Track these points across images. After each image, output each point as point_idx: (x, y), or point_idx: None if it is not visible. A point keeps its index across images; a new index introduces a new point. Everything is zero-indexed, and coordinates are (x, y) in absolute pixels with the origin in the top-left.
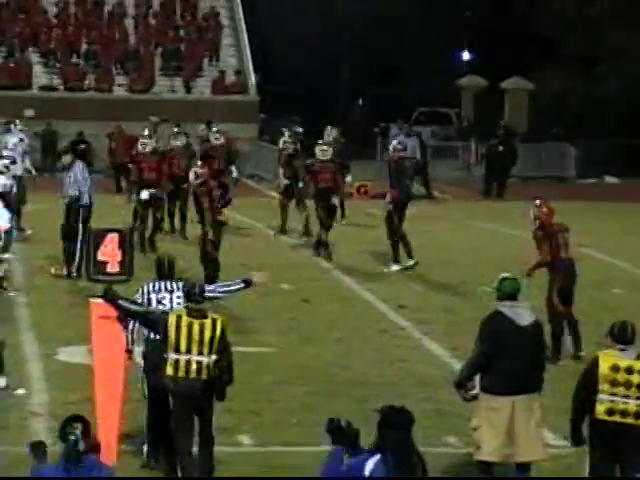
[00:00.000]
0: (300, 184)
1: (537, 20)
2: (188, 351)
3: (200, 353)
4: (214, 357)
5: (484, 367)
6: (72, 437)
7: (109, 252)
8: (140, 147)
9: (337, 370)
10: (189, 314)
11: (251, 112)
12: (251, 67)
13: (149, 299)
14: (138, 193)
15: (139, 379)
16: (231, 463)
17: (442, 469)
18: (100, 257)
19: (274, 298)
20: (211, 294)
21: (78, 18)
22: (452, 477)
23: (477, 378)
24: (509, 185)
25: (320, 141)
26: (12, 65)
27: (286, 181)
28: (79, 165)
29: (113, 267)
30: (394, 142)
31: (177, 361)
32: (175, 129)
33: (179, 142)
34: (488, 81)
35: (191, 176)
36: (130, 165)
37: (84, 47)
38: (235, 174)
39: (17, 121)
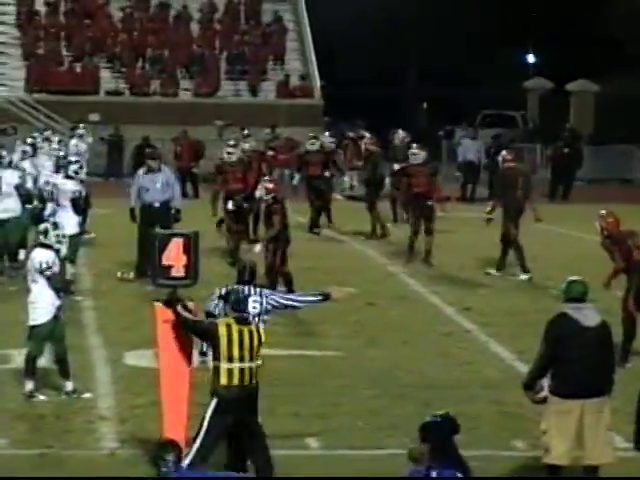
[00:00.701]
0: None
1: (604, 22)
2: (241, 359)
3: (251, 359)
4: (259, 362)
5: (551, 370)
6: (164, 468)
7: (174, 256)
8: (226, 156)
9: (403, 373)
10: (237, 322)
11: (315, 116)
12: (316, 71)
13: (225, 301)
14: (225, 202)
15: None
16: (298, 466)
17: (508, 473)
18: (165, 261)
19: (339, 301)
20: (289, 302)
21: (143, 23)
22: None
23: (546, 380)
24: (575, 188)
25: (414, 145)
26: (79, 70)
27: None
28: (167, 169)
29: (178, 271)
30: (503, 152)
31: (231, 370)
32: (245, 131)
33: (247, 145)
34: (554, 83)
35: (260, 192)
36: (215, 174)
37: (149, 52)
38: (296, 180)
39: (80, 125)
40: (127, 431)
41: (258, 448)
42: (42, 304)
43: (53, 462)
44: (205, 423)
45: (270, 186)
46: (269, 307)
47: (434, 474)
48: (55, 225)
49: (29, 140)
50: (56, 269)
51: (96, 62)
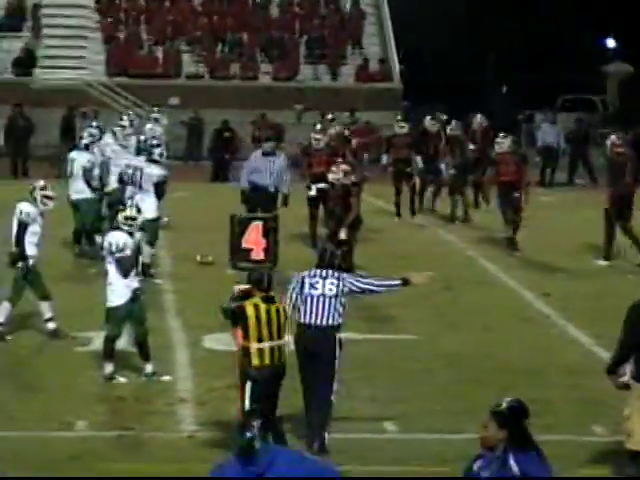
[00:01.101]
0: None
1: None
2: (270, 338)
3: (279, 337)
4: (287, 339)
5: (632, 356)
6: (249, 434)
7: (253, 240)
8: (314, 142)
9: (482, 358)
10: (264, 301)
11: (394, 100)
12: (395, 55)
13: (302, 282)
14: (309, 187)
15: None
16: (377, 450)
17: (588, 458)
18: (244, 244)
19: (419, 286)
20: (368, 286)
21: (223, 6)
22: None
23: (629, 365)
24: None
25: (502, 134)
26: (159, 54)
27: (452, 171)
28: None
29: (258, 254)
30: (612, 137)
31: (262, 350)
32: (330, 116)
33: (333, 130)
34: (634, 68)
35: (335, 175)
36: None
37: (229, 35)
38: (385, 160)
39: (155, 109)
40: (206, 414)
41: (274, 425)
42: (118, 286)
43: (132, 444)
44: (248, 409)
45: (348, 168)
46: (346, 289)
47: (512, 460)
48: (133, 208)
49: (124, 121)
50: (128, 252)
51: (176, 46)
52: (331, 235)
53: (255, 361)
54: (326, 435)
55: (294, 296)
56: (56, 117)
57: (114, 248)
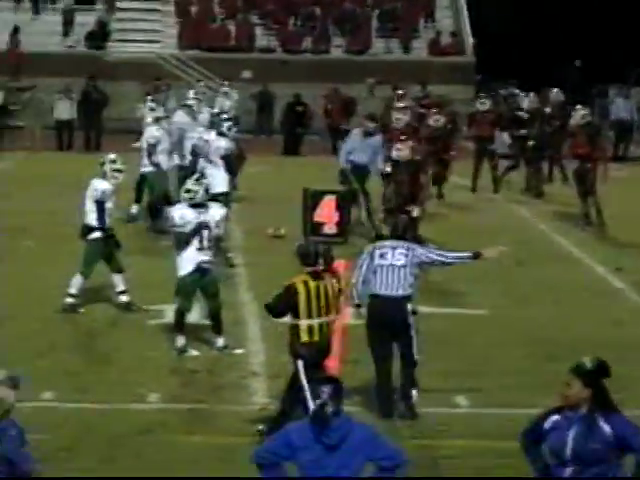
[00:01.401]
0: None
1: None
2: (319, 314)
3: (327, 313)
4: (336, 315)
5: None
6: (320, 400)
7: (326, 214)
8: (395, 122)
9: (553, 333)
10: (312, 277)
11: (467, 73)
12: (468, 28)
13: (372, 254)
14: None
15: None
16: (448, 424)
17: None
18: (317, 218)
19: (487, 260)
20: (439, 257)
21: None
22: None
23: None
24: None
25: (578, 106)
26: (231, 27)
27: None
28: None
29: (330, 228)
30: None
31: (311, 326)
32: (400, 91)
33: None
34: None
35: (401, 152)
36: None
37: (302, 9)
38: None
39: (225, 83)
40: (278, 387)
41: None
42: (184, 257)
43: (204, 417)
44: (305, 385)
45: (414, 144)
46: (416, 260)
47: (602, 421)
48: (193, 181)
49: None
50: (187, 227)
51: (249, 19)
52: (398, 209)
53: (304, 337)
54: (414, 396)
55: (364, 267)
56: (128, 90)
57: (172, 222)
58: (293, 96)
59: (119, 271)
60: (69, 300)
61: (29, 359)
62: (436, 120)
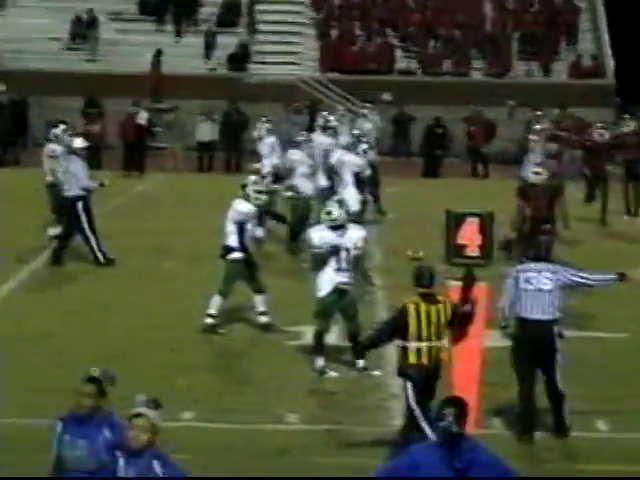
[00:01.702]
0: None
1: None
2: (429, 338)
3: (439, 338)
4: (445, 341)
5: None
6: (444, 423)
7: (468, 236)
8: (531, 144)
9: None
10: (424, 300)
11: (607, 96)
12: (609, 50)
13: (517, 277)
14: None
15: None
16: (588, 448)
17: None
18: (459, 240)
19: (634, 282)
20: (582, 280)
21: (436, 2)
22: None
23: None
24: None
25: None
26: (372, 50)
27: None
28: None
29: (472, 251)
30: None
31: (420, 349)
32: (539, 112)
33: (539, 126)
34: None
35: (540, 177)
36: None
37: (442, 31)
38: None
39: (368, 105)
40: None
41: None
42: (322, 278)
43: (342, 438)
44: (414, 406)
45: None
46: (560, 283)
47: None
48: (333, 203)
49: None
50: (323, 248)
51: (389, 42)
52: (535, 231)
53: (412, 359)
54: (565, 417)
55: (511, 290)
56: (269, 112)
57: (311, 243)
58: (433, 118)
59: (260, 292)
60: (209, 320)
61: (169, 379)
62: (601, 135)
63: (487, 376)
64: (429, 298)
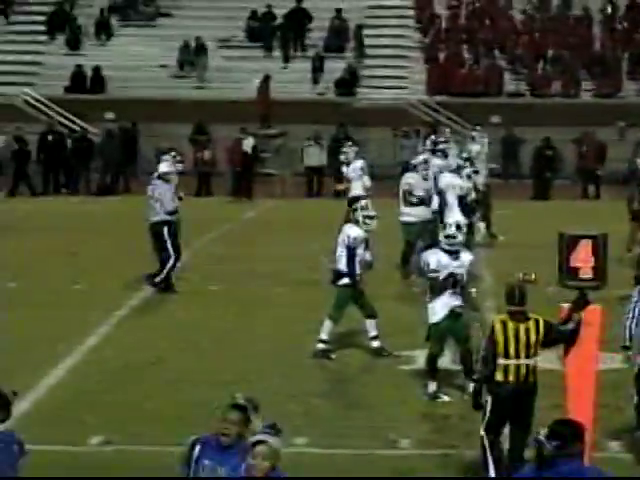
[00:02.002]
0: None
1: None
2: (517, 356)
3: (527, 357)
4: (538, 359)
5: None
6: (538, 439)
7: (582, 258)
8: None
9: None
10: (512, 318)
11: None
12: None
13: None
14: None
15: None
16: None
17: None
18: (572, 263)
19: None
20: None
21: (544, 24)
22: None
23: None
24: None
25: None
26: (479, 72)
27: None
28: None
29: (585, 273)
30: None
31: (507, 366)
32: None
33: None
34: None
35: None
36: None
37: (550, 52)
38: None
39: (477, 127)
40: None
41: (517, 437)
42: (436, 304)
43: (456, 462)
44: (486, 418)
45: None
46: None
47: None
48: (453, 226)
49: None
50: (442, 272)
51: (498, 64)
52: None
53: (499, 376)
54: None
55: (637, 310)
56: (378, 136)
57: (428, 268)
58: (542, 140)
59: (372, 316)
60: (321, 346)
61: (282, 404)
62: None
63: (602, 398)
64: (518, 316)
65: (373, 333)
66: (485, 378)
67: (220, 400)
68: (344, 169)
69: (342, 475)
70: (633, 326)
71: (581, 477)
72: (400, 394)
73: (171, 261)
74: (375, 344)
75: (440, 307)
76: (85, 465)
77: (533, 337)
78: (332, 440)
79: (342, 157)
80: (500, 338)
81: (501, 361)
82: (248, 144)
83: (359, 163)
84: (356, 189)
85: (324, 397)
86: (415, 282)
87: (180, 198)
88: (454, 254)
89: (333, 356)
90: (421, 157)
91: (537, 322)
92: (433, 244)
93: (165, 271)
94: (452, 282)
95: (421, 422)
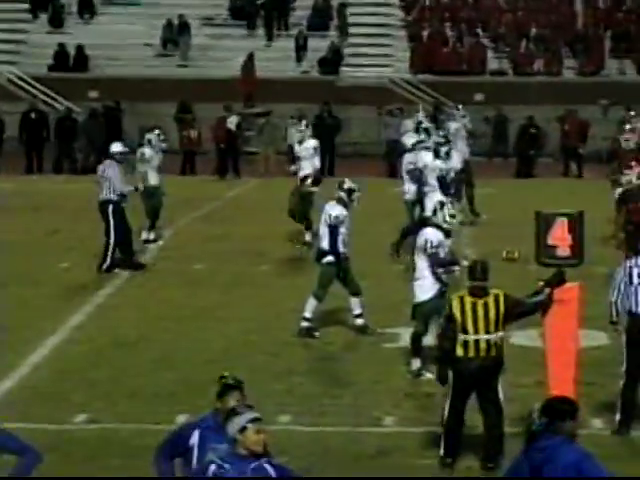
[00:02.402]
0: None
1: None
2: (475, 331)
3: (488, 332)
4: (501, 334)
5: None
6: (529, 419)
7: (559, 236)
8: (623, 143)
9: None
10: (471, 294)
11: None
12: None
13: (630, 272)
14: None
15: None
16: None
17: None
18: (550, 241)
19: None
20: None
21: (527, 2)
22: None
23: None
24: None
25: None
26: (463, 50)
27: None
28: None
29: (564, 251)
30: None
31: (466, 342)
32: (632, 112)
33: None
34: None
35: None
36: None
37: (533, 31)
38: None
39: (459, 106)
40: (514, 410)
41: (489, 410)
42: (425, 282)
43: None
44: (450, 391)
45: None
46: None
47: None
48: (442, 204)
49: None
50: (441, 250)
51: (481, 42)
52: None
53: (459, 352)
54: None
55: (622, 286)
56: (361, 115)
57: (429, 245)
58: (526, 118)
59: (356, 294)
60: (305, 324)
61: (266, 382)
62: None
63: (585, 376)
64: (477, 291)
65: (357, 311)
66: (445, 354)
67: (203, 377)
68: (296, 147)
69: (326, 453)
70: (619, 302)
71: (556, 451)
72: (384, 372)
73: (111, 242)
74: (359, 322)
75: (429, 286)
76: (70, 443)
77: (492, 312)
78: (316, 418)
79: (298, 136)
80: (457, 314)
81: (461, 337)
82: (232, 121)
83: (312, 142)
84: (306, 168)
85: (308, 375)
86: (404, 260)
87: (136, 189)
88: (448, 233)
89: (317, 334)
90: (413, 138)
91: (497, 297)
92: (423, 222)
93: (107, 257)
94: (449, 261)
95: (405, 400)
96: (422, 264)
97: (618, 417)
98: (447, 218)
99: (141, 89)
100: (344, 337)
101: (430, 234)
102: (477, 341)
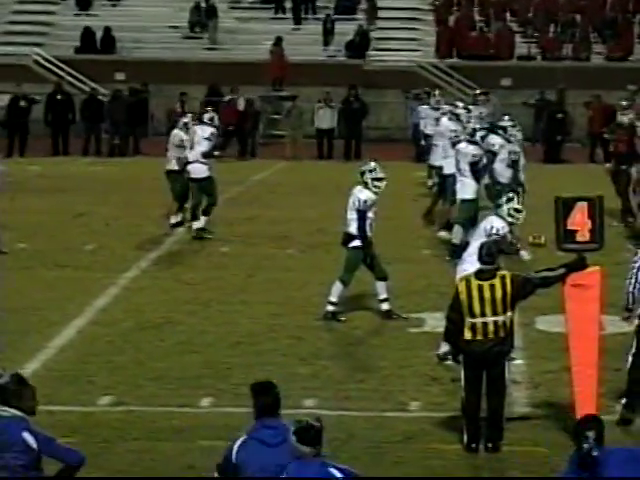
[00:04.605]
0: None
1: None
2: (483, 313)
3: (495, 313)
4: (509, 314)
5: None
6: (585, 445)
7: (578, 221)
8: (619, 117)
9: None
10: (477, 277)
11: None
12: None
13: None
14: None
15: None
16: None
17: None
18: (569, 226)
19: None
20: None
21: None
22: None
23: None
24: None
25: None
26: (490, 35)
27: None
28: None
29: (583, 236)
30: None
31: (474, 325)
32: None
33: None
34: None
35: None
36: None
37: (562, 16)
38: None
39: (477, 92)
40: (540, 396)
41: (492, 393)
42: (469, 268)
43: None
44: (462, 377)
45: None
46: None
47: None
48: (509, 199)
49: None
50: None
51: (509, 27)
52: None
53: (467, 335)
54: None
55: (639, 275)
56: (388, 99)
57: (494, 231)
58: (554, 104)
59: (383, 279)
60: (330, 308)
61: (292, 366)
62: None
63: (609, 362)
64: (484, 274)
65: (383, 295)
66: (453, 337)
67: (228, 360)
68: None
69: (351, 438)
70: (636, 291)
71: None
72: (409, 357)
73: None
74: (385, 306)
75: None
76: (95, 425)
77: (499, 293)
78: (341, 402)
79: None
80: (464, 297)
81: (468, 320)
82: (241, 103)
83: None
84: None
85: (333, 359)
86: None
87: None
88: (510, 226)
89: (343, 318)
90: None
91: (503, 278)
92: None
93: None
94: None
95: (430, 385)
96: (473, 249)
97: (624, 401)
98: (512, 212)
99: (168, 72)
100: (369, 322)
101: (497, 222)
102: (485, 324)
